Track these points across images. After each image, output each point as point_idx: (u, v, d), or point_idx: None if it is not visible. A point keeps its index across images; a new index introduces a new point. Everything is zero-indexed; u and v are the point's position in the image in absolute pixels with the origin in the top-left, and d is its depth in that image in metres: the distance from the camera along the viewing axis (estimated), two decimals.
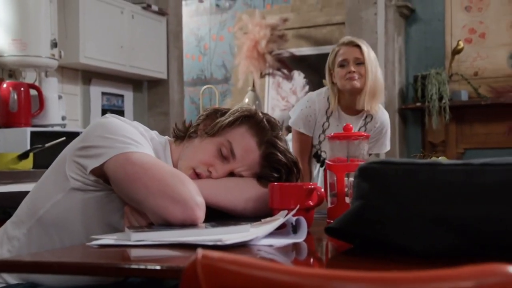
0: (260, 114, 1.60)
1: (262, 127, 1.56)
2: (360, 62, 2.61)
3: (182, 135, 1.62)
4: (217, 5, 6.37)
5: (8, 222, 1.54)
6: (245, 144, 1.55)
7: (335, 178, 1.47)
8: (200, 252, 0.72)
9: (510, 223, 0.93)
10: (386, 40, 4.42)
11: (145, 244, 1.16)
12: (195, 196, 1.33)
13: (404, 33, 4.67)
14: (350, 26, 4.49)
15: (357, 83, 2.59)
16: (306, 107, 2.74)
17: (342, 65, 2.63)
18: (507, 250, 0.92)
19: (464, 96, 4.36)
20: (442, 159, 1.80)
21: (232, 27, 6.24)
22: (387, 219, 1.02)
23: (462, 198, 0.97)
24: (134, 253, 1.13)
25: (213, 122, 1.59)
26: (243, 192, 1.54)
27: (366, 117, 2.69)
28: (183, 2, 5.34)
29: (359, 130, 2.70)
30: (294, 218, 1.26)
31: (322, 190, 1.44)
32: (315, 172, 2.82)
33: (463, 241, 0.94)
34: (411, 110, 4.59)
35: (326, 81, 2.73)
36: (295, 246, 1.18)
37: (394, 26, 4.49)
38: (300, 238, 1.21)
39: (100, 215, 1.46)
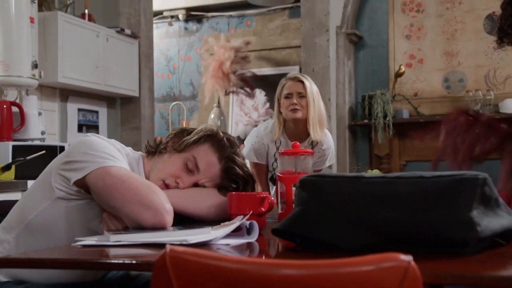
0: (221, 133, 1.66)
1: (223, 145, 1.62)
2: (303, 95, 2.73)
3: (154, 150, 1.66)
4: (186, 28, 6.33)
5: (2, 223, 1.55)
6: (208, 159, 1.60)
7: (285, 188, 1.55)
8: (168, 247, 0.82)
9: (414, 225, 1.03)
10: (337, 64, 4.46)
11: (122, 244, 1.21)
12: (165, 204, 1.39)
13: (353, 58, 4.70)
14: (305, 51, 4.53)
15: (298, 114, 2.71)
16: (255, 142, 2.86)
17: (287, 97, 2.75)
18: (411, 246, 0.99)
19: (406, 114, 4.40)
20: (374, 172, 1.94)
21: (199, 48, 6.21)
22: (320, 222, 1.11)
23: (378, 205, 1.06)
24: (113, 251, 1.18)
25: (181, 140, 1.63)
26: (205, 200, 1.58)
27: (312, 142, 2.79)
28: (154, 25, 5.26)
29: None
30: (248, 222, 1.33)
31: (273, 198, 1.52)
32: (272, 192, 2.86)
33: (379, 239, 1.03)
34: (359, 126, 4.59)
35: (274, 110, 2.83)
36: (248, 245, 1.25)
37: (344, 51, 4.52)
38: (253, 238, 1.28)
39: (82, 220, 1.48)
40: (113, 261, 1.09)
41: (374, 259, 0.77)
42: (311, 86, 2.76)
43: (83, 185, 1.44)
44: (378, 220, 1.06)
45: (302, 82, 2.76)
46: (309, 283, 0.76)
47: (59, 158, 1.52)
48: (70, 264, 1.09)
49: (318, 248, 1.11)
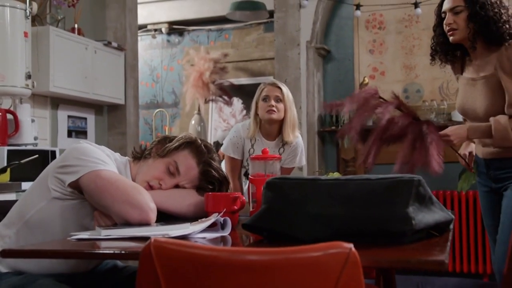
0: (199, 140, 1.72)
1: (200, 151, 1.68)
2: (280, 99, 2.81)
3: (139, 156, 1.72)
4: (168, 41, 6.30)
5: (0, 224, 1.59)
6: (187, 163, 1.66)
7: (255, 189, 1.62)
8: (152, 238, 0.91)
9: (361, 220, 1.13)
10: (307, 75, 4.44)
11: (112, 238, 1.28)
12: (149, 203, 1.45)
13: (322, 70, 4.65)
14: (278, 63, 4.51)
15: (274, 115, 2.79)
16: (234, 136, 2.92)
17: (264, 99, 2.82)
18: (359, 238, 1.08)
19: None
20: (334, 175, 2.05)
21: (181, 59, 6.17)
22: (283, 217, 1.20)
23: (331, 203, 1.16)
24: (104, 244, 1.25)
25: (163, 147, 1.69)
26: (185, 199, 1.64)
27: (283, 140, 2.87)
28: (139, 37, 5.22)
29: (278, 151, 2.87)
30: (222, 219, 1.40)
31: (245, 198, 1.58)
32: (245, 188, 2.93)
33: (332, 232, 1.11)
34: (328, 132, 4.56)
35: (251, 112, 2.90)
36: (222, 238, 1.33)
37: (314, 64, 4.48)
38: (226, 232, 1.36)
39: (75, 218, 1.53)
40: (104, 252, 1.16)
41: (322, 246, 0.87)
42: (287, 93, 2.86)
43: (76, 187, 1.50)
44: (331, 216, 1.15)
45: (280, 88, 2.85)
46: (269, 266, 0.86)
47: (55, 162, 1.57)
48: (67, 254, 1.16)
49: (281, 240, 1.18)
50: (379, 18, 4.50)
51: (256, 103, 2.89)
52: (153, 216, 1.46)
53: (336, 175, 2.02)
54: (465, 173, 3.77)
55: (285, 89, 2.86)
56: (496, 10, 2.07)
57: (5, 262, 1.52)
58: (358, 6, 4.36)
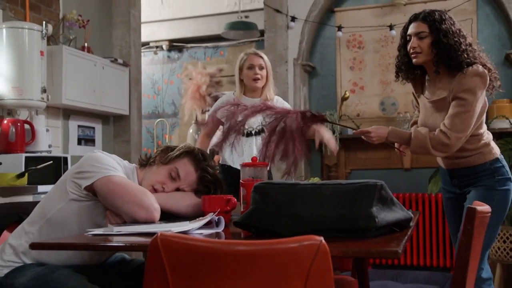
0: (197, 150, 1.80)
1: (198, 159, 1.77)
2: (262, 67, 2.95)
3: (145, 163, 1.80)
4: (168, 57, 6.36)
5: (25, 222, 1.67)
6: (187, 170, 1.74)
7: (246, 192, 1.67)
8: (159, 232, 1.00)
9: (333, 218, 1.22)
10: (294, 89, 4.47)
11: (122, 233, 1.37)
12: (154, 204, 1.54)
13: (308, 84, 4.67)
14: None
15: (259, 84, 2.94)
16: (221, 101, 2.96)
17: (250, 68, 2.94)
18: (331, 233, 1.19)
19: (350, 131, 4.29)
20: (315, 180, 2.14)
21: (180, 74, 6.22)
22: (268, 216, 1.29)
23: (309, 204, 1.25)
24: (116, 238, 1.33)
25: (166, 155, 1.77)
26: (185, 201, 1.71)
27: (266, 98, 2.95)
28: (142, 54, 5.20)
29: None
30: (217, 217, 1.48)
31: (236, 200, 1.65)
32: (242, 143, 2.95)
33: (309, 228, 1.19)
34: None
35: (236, 78, 2.99)
36: (217, 233, 1.41)
37: (300, 79, 4.51)
38: (220, 229, 1.44)
39: (90, 217, 1.62)
40: (117, 244, 1.25)
41: (298, 239, 0.96)
42: (267, 60, 3.01)
43: (91, 190, 1.58)
44: (308, 215, 1.24)
45: (262, 57, 2.98)
46: (255, 255, 0.95)
47: (72, 168, 1.65)
48: (85, 246, 1.25)
49: (266, 235, 1.27)
50: (359, 39, 4.57)
51: (241, 70, 2.98)
52: (157, 215, 1.54)
53: (316, 180, 2.11)
54: (434, 177, 3.89)
55: (265, 57, 3.01)
56: (456, 39, 2.10)
57: (30, 255, 1.59)
58: (340, 28, 4.47)
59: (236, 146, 1.95)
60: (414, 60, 2.20)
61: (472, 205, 1.40)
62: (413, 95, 2.40)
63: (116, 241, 1.30)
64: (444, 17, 2.14)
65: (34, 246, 1.22)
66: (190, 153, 1.77)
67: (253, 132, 3.02)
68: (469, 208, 1.36)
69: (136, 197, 1.53)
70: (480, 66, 2.10)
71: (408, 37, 2.23)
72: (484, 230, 1.55)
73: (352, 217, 1.22)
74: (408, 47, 2.21)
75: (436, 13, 2.16)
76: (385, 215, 1.27)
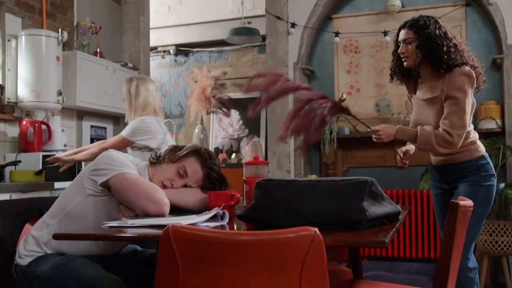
0: (203, 149, 1.85)
1: (204, 157, 1.81)
2: None
3: (155, 162, 1.85)
4: (175, 61, 6.36)
5: (45, 215, 1.72)
6: (193, 168, 1.79)
7: (248, 188, 1.74)
8: (170, 224, 1.05)
9: (327, 212, 1.27)
10: None
11: (135, 226, 1.41)
12: (164, 199, 1.59)
13: None
14: None
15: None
16: None
17: None
18: (326, 225, 1.23)
19: (347, 131, 4.41)
20: (312, 177, 2.20)
21: (186, 77, 6.19)
22: (268, 210, 1.34)
23: (305, 199, 1.30)
24: (130, 230, 1.37)
25: (174, 154, 1.82)
26: (192, 196, 1.76)
27: None
28: (150, 58, 5.26)
29: None
30: (222, 211, 1.52)
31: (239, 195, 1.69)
32: None
33: (305, 221, 1.20)
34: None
35: None
36: (222, 226, 1.45)
37: (300, 82, 4.31)
38: (224, 222, 1.48)
39: (105, 210, 1.67)
40: (132, 235, 1.30)
41: (295, 230, 1.01)
42: None
43: (106, 186, 1.64)
44: (304, 209, 1.29)
45: None
46: (255, 244, 1.01)
47: (89, 166, 1.70)
48: (103, 237, 1.31)
49: (267, 227, 1.29)
50: (355, 44, 4.59)
51: None
52: (167, 209, 1.59)
53: (313, 177, 2.16)
54: (425, 175, 3.94)
55: None
56: (439, 42, 2.18)
57: (50, 245, 1.65)
58: (337, 34, 4.51)
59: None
60: (404, 64, 2.30)
61: (455, 200, 1.45)
62: (408, 97, 2.48)
63: (130, 232, 1.35)
64: (428, 22, 2.22)
65: (56, 236, 1.28)
66: (197, 152, 1.82)
67: None
68: (452, 202, 1.42)
69: (147, 193, 1.57)
70: (467, 67, 2.18)
71: (399, 43, 2.31)
72: (467, 223, 1.60)
73: (345, 210, 1.27)
74: (399, 51, 2.29)
75: (422, 19, 2.24)
76: (375, 209, 1.32)
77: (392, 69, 2.42)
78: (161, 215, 1.56)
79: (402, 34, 2.28)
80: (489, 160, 2.31)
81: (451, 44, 2.20)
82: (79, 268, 1.54)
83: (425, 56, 2.21)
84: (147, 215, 1.56)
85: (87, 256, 1.66)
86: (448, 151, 2.21)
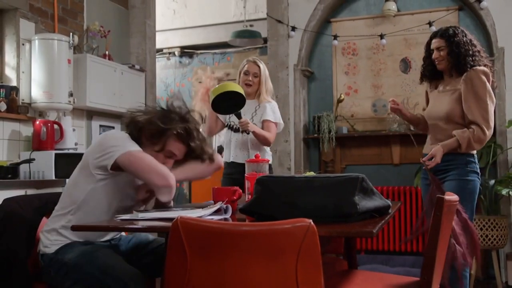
0: (174, 125, 1.77)
1: (181, 135, 1.77)
2: (256, 75, 2.94)
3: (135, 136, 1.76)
4: (180, 62, 6.40)
5: (58, 207, 1.75)
6: (178, 147, 1.78)
7: (250, 184, 1.80)
8: (179, 216, 1.14)
9: (322, 205, 1.33)
10: (294, 92, 4.50)
11: (146, 218, 1.48)
12: (169, 172, 1.64)
13: (307, 88, 4.68)
14: (271, 82, 4.64)
15: (249, 89, 2.91)
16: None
17: (245, 73, 2.96)
18: (321, 218, 1.28)
19: (345, 130, 4.44)
20: (310, 174, 2.25)
21: (191, 78, 6.27)
22: (268, 204, 1.40)
23: (302, 193, 1.36)
24: (141, 222, 1.44)
25: (151, 136, 1.75)
26: (197, 168, 1.83)
27: (259, 100, 2.96)
28: (156, 60, 5.25)
29: (255, 108, 2.94)
30: (225, 205, 1.58)
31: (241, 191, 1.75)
32: (228, 137, 2.99)
33: (302, 214, 1.23)
34: (311, 139, 4.58)
35: (236, 80, 2.97)
36: (225, 219, 1.51)
37: (300, 83, 4.53)
38: (228, 215, 1.54)
39: (118, 189, 1.70)
40: (143, 227, 1.37)
41: (291, 221, 1.09)
42: (264, 69, 2.98)
43: (115, 166, 1.66)
44: (302, 203, 1.36)
45: (259, 66, 2.96)
46: (256, 234, 1.09)
47: (91, 153, 1.70)
48: (116, 228, 1.38)
49: (267, 220, 1.32)
50: (353, 46, 4.63)
51: (240, 73, 3.01)
52: (172, 182, 1.62)
53: (311, 173, 2.23)
54: (419, 172, 4.00)
55: (262, 66, 2.98)
56: (466, 47, 2.46)
57: (76, 234, 1.70)
58: (335, 37, 4.56)
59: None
60: (438, 67, 2.57)
61: (441, 195, 1.52)
62: (426, 92, 2.72)
63: (142, 225, 1.42)
64: (456, 32, 2.51)
65: (74, 228, 1.35)
66: (172, 133, 1.79)
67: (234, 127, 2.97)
68: (438, 197, 1.49)
69: (154, 166, 1.63)
70: (483, 67, 2.46)
71: (431, 51, 2.59)
72: (453, 217, 1.68)
73: (338, 204, 1.34)
74: (433, 57, 2.56)
75: (451, 29, 2.53)
76: (366, 203, 1.39)
77: (423, 72, 2.69)
78: (168, 187, 1.61)
79: (435, 43, 2.55)
80: (476, 160, 2.46)
81: (476, 50, 2.47)
82: (103, 257, 1.61)
83: (454, 60, 2.48)
84: (156, 187, 1.62)
85: (105, 241, 1.74)
86: (481, 146, 2.43)
